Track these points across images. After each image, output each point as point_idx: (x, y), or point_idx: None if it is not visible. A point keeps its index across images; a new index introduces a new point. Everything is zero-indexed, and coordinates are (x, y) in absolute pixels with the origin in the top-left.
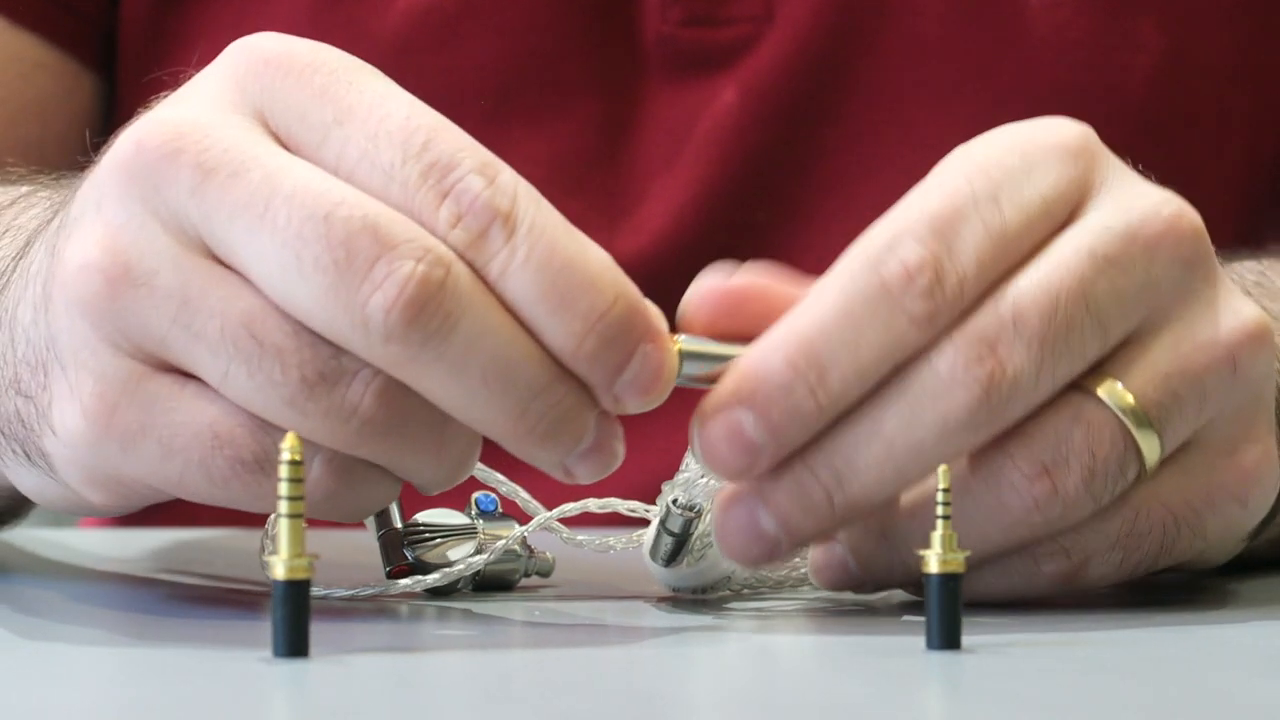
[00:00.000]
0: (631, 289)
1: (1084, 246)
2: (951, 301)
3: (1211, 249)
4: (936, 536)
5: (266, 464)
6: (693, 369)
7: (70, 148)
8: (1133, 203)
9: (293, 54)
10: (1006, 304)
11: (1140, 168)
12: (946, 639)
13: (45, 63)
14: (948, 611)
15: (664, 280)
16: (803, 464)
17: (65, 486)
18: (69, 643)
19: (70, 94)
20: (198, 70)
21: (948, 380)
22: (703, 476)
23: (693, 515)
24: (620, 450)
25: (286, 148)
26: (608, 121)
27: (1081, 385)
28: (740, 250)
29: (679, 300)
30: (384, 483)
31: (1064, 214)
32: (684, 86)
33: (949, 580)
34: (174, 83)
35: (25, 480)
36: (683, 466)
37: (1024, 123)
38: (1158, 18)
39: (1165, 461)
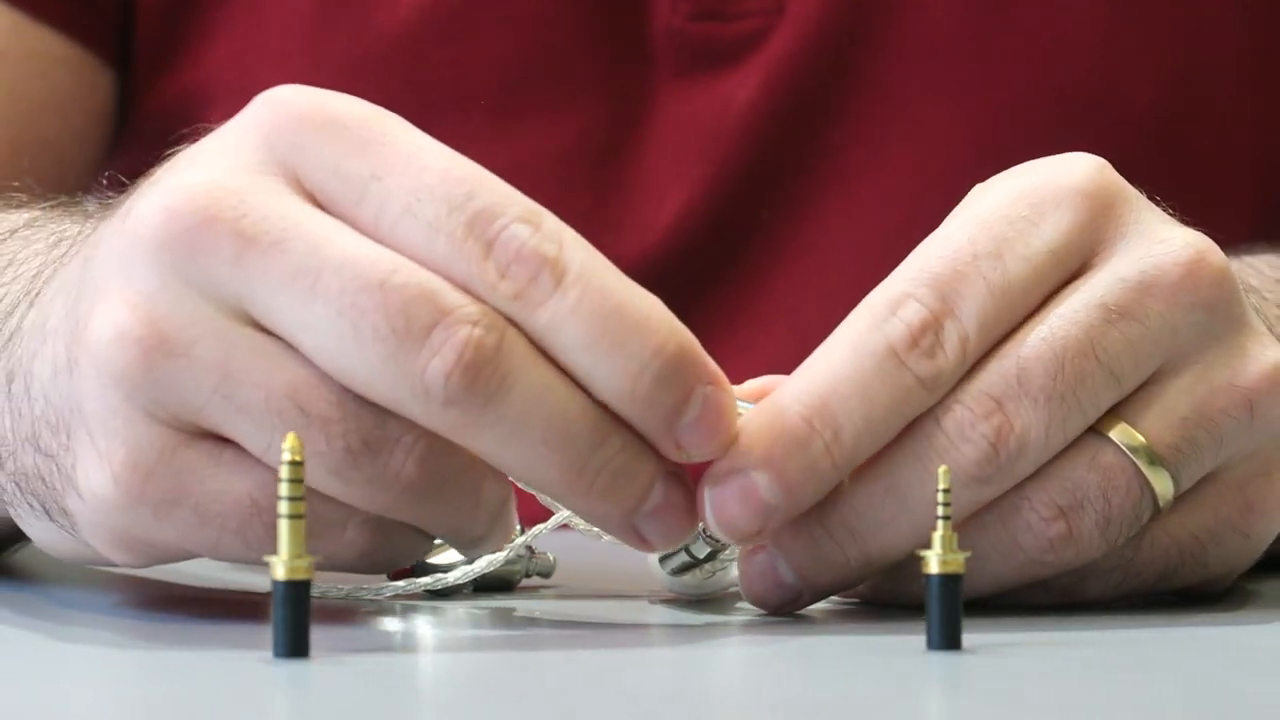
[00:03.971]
0: (685, 331)
1: (1094, 299)
2: (955, 362)
3: (1237, 290)
4: (937, 537)
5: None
6: None
7: (89, 144)
8: (1149, 250)
9: (322, 108)
10: (1011, 361)
11: (1148, 169)
12: (947, 639)
13: (65, 59)
14: (948, 612)
15: (671, 276)
16: (818, 522)
17: (85, 544)
18: (69, 643)
19: (90, 90)
20: (203, 117)
21: (955, 437)
22: None
23: (720, 546)
24: (693, 513)
25: (320, 206)
26: (617, 116)
27: (1098, 429)
28: (746, 247)
29: (686, 297)
30: (415, 539)
31: (1077, 262)
32: (694, 81)
33: (949, 580)
34: (194, 137)
35: (38, 532)
36: None
37: (1036, 163)
38: (1167, 18)
39: (1176, 497)
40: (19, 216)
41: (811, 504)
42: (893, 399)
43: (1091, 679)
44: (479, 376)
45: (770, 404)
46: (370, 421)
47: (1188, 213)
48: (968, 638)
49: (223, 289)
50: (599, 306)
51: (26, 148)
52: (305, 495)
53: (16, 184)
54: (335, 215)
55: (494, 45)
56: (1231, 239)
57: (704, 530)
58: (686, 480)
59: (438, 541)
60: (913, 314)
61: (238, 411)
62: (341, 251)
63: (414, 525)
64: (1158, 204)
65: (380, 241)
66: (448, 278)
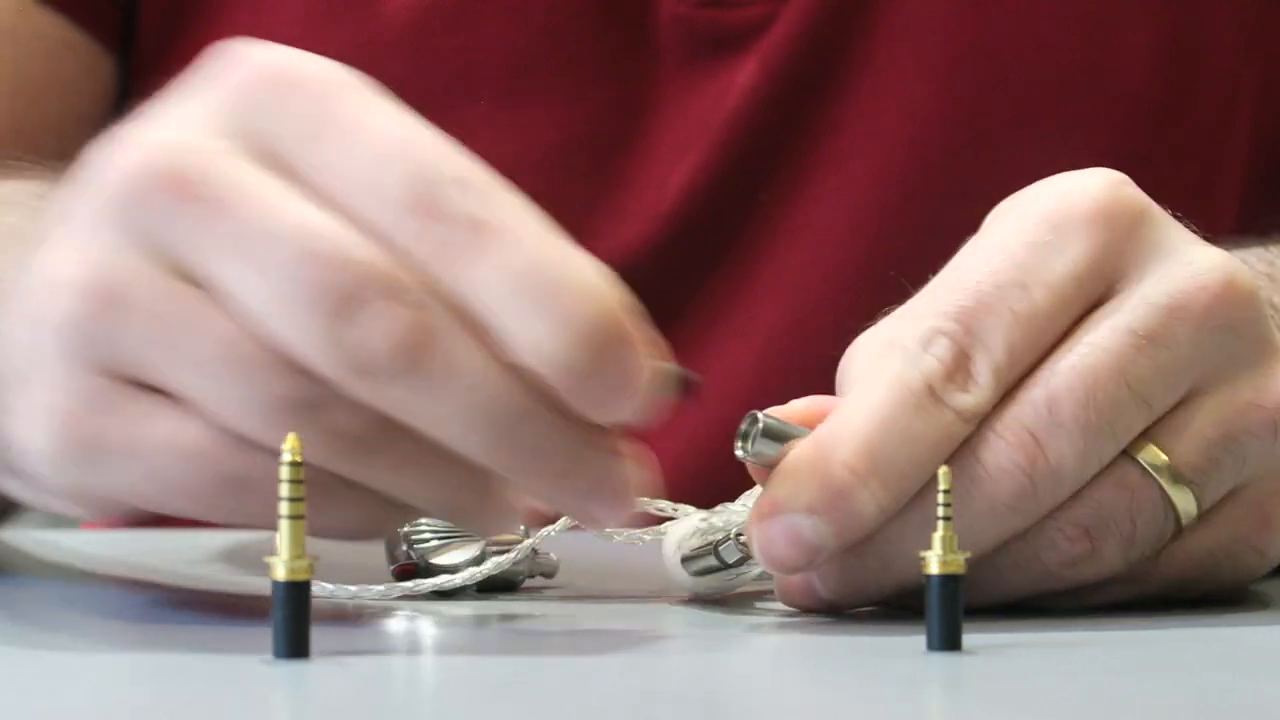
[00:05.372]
0: (611, 294)
1: (1122, 325)
2: (989, 392)
3: (1263, 311)
4: (937, 538)
5: (248, 481)
6: (764, 447)
7: (87, 128)
8: (1177, 273)
9: (282, 69)
10: (1041, 390)
11: (1143, 145)
12: (947, 640)
13: (69, 42)
14: (948, 612)
15: (672, 260)
16: (852, 551)
17: (46, 495)
18: (68, 644)
19: (91, 74)
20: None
21: (992, 468)
22: None
23: (749, 554)
24: (630, 492)
25: (272, 167)
26: (623, 104)
27: (1126, 450)
28: (744, 229)
29: (687, 280)
30: (380, 507)
31: (1102, 286)
32: (699, 69)
33: (949, 581)
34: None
35: (11, 486)
36: (744, 499)
37: (1052, 182)
38: None
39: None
40: (29, 186)
41: (859, 539)
42: (934, 435)
43: (1092, 680)
44: (405, 351)
45: (814, 449)
46: (313, 375)
47: (1183, 188)
48: (968, 638)
49: (166, 247)
50: (525, 267)
51: (28, 127)
52: (248, 448)
53: (29, 154)
54: (286, 178)
55: (500, 33)
56: (1224, 217)
57: (737, 537)
58: (630, 455)
59: (439, 542)
60: (944, 349)
61: (178, 361)
62: (284, 219)
63: (381, 492)
64: (1179, 219)
65: (330, 206)
66: (390, 246)
